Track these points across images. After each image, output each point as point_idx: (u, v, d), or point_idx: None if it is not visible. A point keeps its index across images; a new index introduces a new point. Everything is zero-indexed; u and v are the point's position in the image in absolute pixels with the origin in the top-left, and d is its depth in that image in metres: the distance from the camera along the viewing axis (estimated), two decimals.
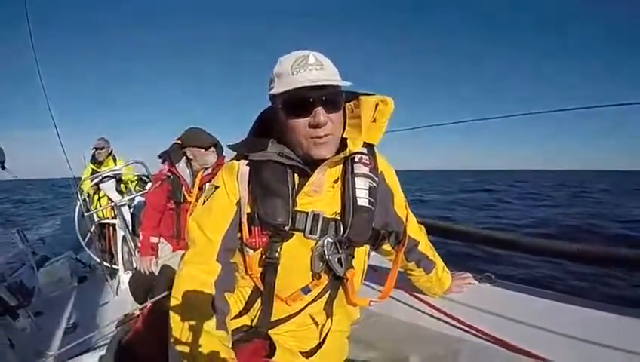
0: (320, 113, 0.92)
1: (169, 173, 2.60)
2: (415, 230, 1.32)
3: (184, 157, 2.59)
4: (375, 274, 1.52)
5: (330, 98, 0.93)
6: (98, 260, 3.51)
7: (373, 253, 1.22)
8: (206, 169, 2.57)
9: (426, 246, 1.35)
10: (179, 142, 2.58)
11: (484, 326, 1.23)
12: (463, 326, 1.26)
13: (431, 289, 1.43)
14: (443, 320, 1.32)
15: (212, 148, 2.55)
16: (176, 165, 2.58)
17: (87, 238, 3.99)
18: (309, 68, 0.93)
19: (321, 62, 0.95)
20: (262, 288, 1.05)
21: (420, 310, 1.41)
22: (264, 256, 1.01)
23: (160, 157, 2.71)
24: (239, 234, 1.03)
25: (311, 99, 0.92)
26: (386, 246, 1.25)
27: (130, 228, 3.36)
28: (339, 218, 1.02)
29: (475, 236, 1.59)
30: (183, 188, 2.59)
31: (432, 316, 1.36)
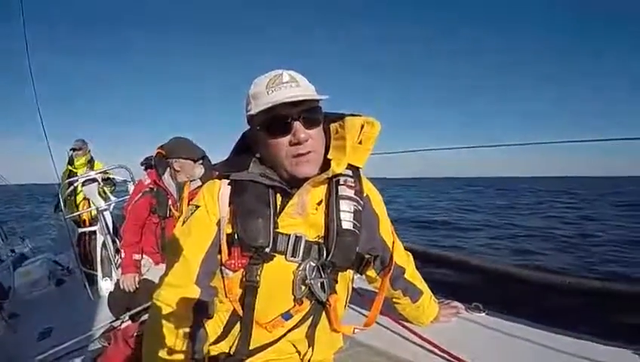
0: (299, 129, 0.91)
1: (152, 186, 2.49)
2: (402, 257, 1.28)
3: (168, 169, 2.47)
4: (361, 299, 1.48)
5: (307, 114, 0.92)
6: (77, 264, 3.41)
7: (359, 277, 1.18)
8: (192, 181, 2.46)
9: (413, 274, 1.32)
10: (162, 152, 2.46)
11: (473, 357, 1.19)
12: (449, 358, 1.23)
13: (418, 319, 1.40)
14: (430, 350, 1.28)
15: (200, 161, 2.46)
16: (162, 177, 2.48)
17: (67, 241, 3.89)
18: (284, 86, 0.92)
19: (296, 78, 0.95)
20: (241, 313, 1.00)
21: (407, 339, 1.37)
22: (244, 279, 0.97)
23: (143, 164, 2.60)
24: (219, 256, 0.99)
25: (288, 117, 0.91)
26: (371, 273, 1.22)
27: (111, 233, 3.28)
28: (322, 241, 0.99)
29: (464, 264, 1.57)
30: (170, 202, 2.49)
31: (419, 346, 1.32)
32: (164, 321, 0.94)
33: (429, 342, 1.29)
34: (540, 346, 1.25)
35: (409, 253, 1.34)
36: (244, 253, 0.95)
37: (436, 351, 1.26)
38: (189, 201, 2.39)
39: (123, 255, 2.53)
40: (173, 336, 0.92)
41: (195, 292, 0.97)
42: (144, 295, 2.36)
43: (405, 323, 1.42)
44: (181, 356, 0.91)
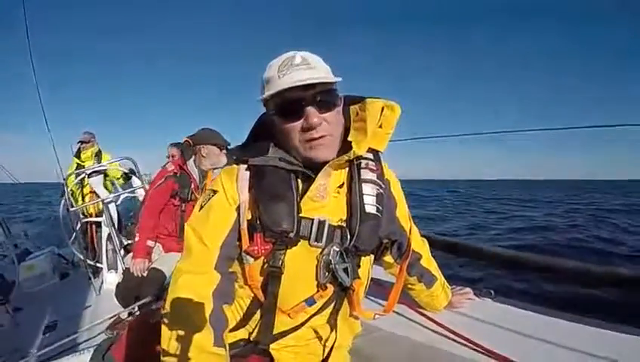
0: (312, 114, 0.88)
1: (176, 170, 2.58)
2: (418, 243, 1.28)
3: (193, 156, 2.59)
4: (375, 288, 1.48)
5: (321, 97, 0.90)
6: (82, 257, 3.41)
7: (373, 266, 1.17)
8: (215, 170, 2.56)
9: (428, 261, 1.32)
10: (189, 140, 2.57)
11: (485, 342, 1.20)
12: (463, 342, 1.24)
13: (431, 304, 1.40)
14: (444, 336, 1.29)
15: (224, 150, 2.57)
16: (187, 162, 2.59)
17: (71, 234, 3.88)
18: (296, 68, 0.90)
19: (308, 60, 0.92)
20: (262, 299, 0.99)
21: (421, 325, 1.38)
22: (266, 265, 0.95)
23: (172, 144, 2.69)
24: (238, 242, 0.98)
25: (301, 101, 0.89)
26: (388, 258, 1.22)
27: (116, 225, 3.27)
28: (345, 225, 0.97)
29: (476, 251, 1.57)
30: (192, 186, 2.57)
31: (433, 331, 1.33)
32: (183, 308, 0.92)
33: (444, 327, 1.30)
34: (550, 331, 1.26)
35: (424, 239, 1.34)
36: (266, 238, 0.93)
37: (452, 335, 1.27)
38: None
39: (137, 238, 2.54)
40: (193, 326, 0.90)
41: (214, 278, 0.95)
42: (152, 284, 2.37)
43: (419, 309, 1.43)
44: (201, 343, 0.89)
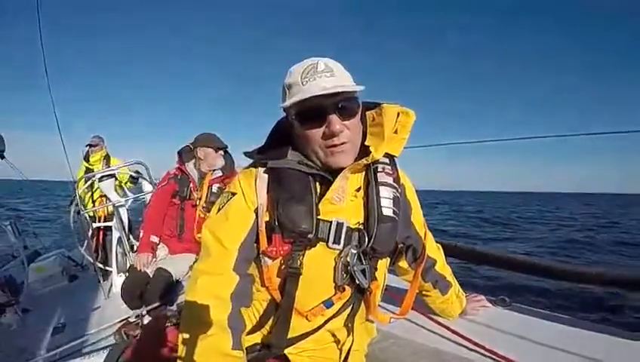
0: (334, 121, 0.90)
1: (177, 172, 2.73)
2: (433, 249, 1.28)
3: (193, 159, 2.73)
4: (389, 295, 1.47)
5: (344, 105, 0.91)
6: (91, 260, 3.41)
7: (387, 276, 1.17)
8: (213, 172, 2.71)
9: (443, 267, 1.31)
10: (190, 145, 2.74)
11: (500, 349, 1.19)
12: (478, 349, 1.22)
13: (445, 311, 1.39)
14: (459, 343, 1.28)
15: (221, 152, 2.71)
16: (186, 164, 2.73)
17: (81, 238, 3.89)
18: (319, 75, 0.91)
19: (331, 68, 0.93)
20: (279, 301, 0.99)
21: (435, 332, 1.36)
22: (284, 266, 0.96)
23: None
24: (256, 244, 0.98)
25: (324, 108, 0.90)
26: (403, 264, 1.22)
27: (126, 229, 3.29)
28: (362, 228, 0.98)
29: (491, 258, 1.55)
30: (191, 185, 2.70)
31: (447, 338, 1.31)
32: (201, 309, 0.92)
33: (459, 334, 1.28)
34: (565, 338, 1.24)
35: (439, 245, 1.34)
36: (285, 239, 0.94)
37: (466, 342, 1.25)
38: (209, 186, 2.67)
39: (142, 235, 2.69)
40: (211, 329, 0.89)
41: (233, 280, 0.95)
42: (158, 283, 2.41)
43: (434, 316, 1.41)
44: (219, 346, 0.88)
